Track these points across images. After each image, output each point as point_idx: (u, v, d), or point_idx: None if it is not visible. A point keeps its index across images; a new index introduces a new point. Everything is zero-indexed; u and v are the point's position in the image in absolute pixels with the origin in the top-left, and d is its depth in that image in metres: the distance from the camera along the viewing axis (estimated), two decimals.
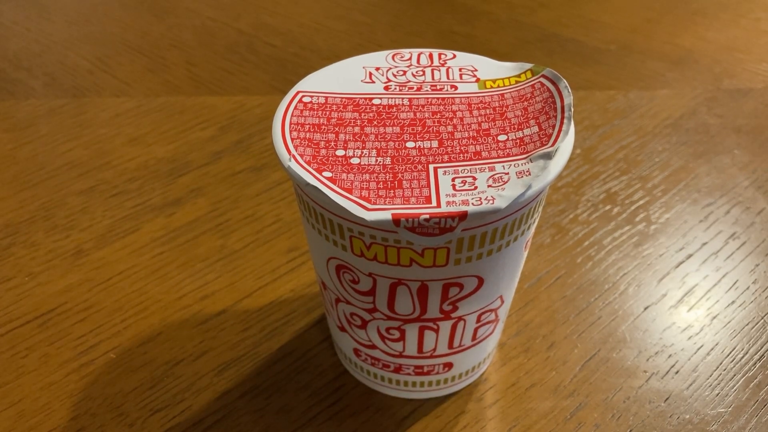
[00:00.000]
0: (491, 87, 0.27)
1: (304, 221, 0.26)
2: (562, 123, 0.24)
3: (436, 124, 0.25)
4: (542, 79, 0.27)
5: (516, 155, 0.23)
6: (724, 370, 0.32)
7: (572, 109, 0.25)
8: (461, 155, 0.24)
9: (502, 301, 0.28)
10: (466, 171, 0.23)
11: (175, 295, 0.36)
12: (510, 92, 0.27)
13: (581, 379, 0.32)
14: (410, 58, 0.29)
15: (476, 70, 0.28)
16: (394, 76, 0.28)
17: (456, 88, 0.27)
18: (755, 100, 0.52)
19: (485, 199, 0.21)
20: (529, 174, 0.22)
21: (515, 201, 0.22)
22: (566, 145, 0.24)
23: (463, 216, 0.21)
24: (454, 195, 0.22)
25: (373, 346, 0.29)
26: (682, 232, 0.40)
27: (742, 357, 0.33)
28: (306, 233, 0.28)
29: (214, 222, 0.41)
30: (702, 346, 0.34)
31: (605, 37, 0.62)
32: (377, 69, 0.29)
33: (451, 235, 0.21)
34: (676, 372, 0.32)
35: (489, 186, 0.22)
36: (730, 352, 0.33)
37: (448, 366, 0.30)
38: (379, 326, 0.27)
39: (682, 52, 0.60)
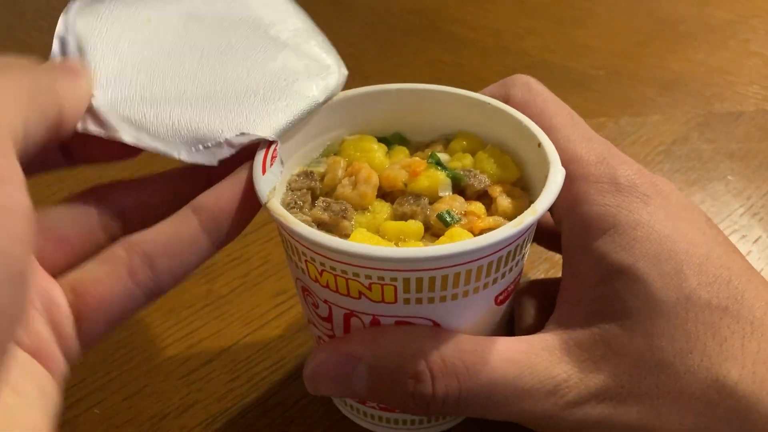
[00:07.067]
0: None
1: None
2: None
3: None
4: None
5: None
6: None
7: None
8: None
9: None
10: None
11: (160, 345, 0.35)
12: None
13: None
14: None
15: None
16: None
17: None
18: (747, 123, 0.52)
19: None
20: None
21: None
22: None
23: None
24: None
25: None
26: None
27: None
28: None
29: (201, 265, 0.40)
30: None
31: (594, 63, 0.62)
32: None
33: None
34: None
35: None
36: None
37: None
38: None
39: (672, 75, 0.59)
